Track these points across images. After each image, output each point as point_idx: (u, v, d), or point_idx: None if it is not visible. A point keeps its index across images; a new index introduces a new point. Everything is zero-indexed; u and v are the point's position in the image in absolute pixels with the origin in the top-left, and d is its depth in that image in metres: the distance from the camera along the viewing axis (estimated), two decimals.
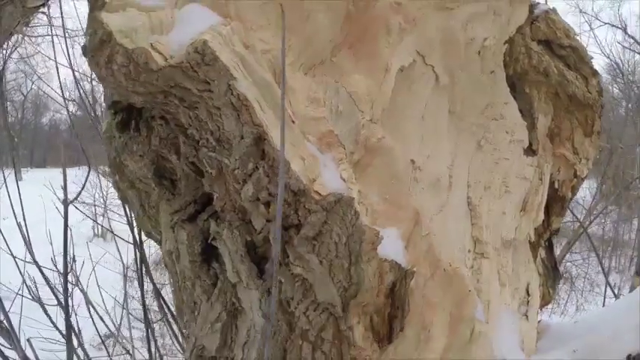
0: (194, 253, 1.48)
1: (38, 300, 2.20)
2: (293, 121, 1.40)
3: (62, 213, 1.90)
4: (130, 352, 2.39)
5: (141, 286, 2.13)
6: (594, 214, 4.35)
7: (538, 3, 1.75)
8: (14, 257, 2.21)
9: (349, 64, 1.52)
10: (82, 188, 2.00)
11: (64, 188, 1.74)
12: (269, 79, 1.35)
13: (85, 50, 1.39)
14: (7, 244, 2.33)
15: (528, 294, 1.88)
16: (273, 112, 1.39)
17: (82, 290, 2.62)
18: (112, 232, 2.55)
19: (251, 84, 1.33)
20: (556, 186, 1.83)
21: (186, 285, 1.55)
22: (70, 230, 1.89)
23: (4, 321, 1.96)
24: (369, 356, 1.42)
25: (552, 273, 1.93)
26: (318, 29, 1.47)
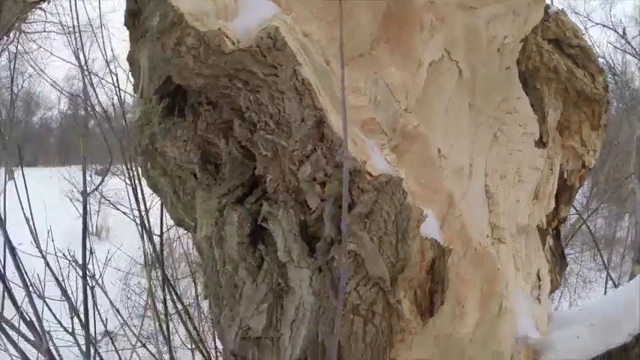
0: (243, 234, 1.63)
1: (64, 293, 2.26)
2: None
3: (73, 206, 1.99)
4: (145, 344, 2.47)
5: (163, 276, 2.23)
6: (591, 208, 4.66)
7: (549, 5, 2.01)
8: (43, 255, 2.27)
9: (386, 57, 1.71)
10: (103, 180, 2.08)
11: (83, 179, 1.84)
12: (326, 67, 1.54)
13: (128, 23, 1.55)
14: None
15: (539, 279, 2.11)
16: (329, 98, 1.57)
17: (101, 288, 2.69)
18: (136, 220, 2.63)
19: (312, 71, 1.51)
20: (565, 176, 2.07)
21: (226, 269, 1.70)
22: (86, 224, 1.98)
23: (32, 315, 2.03)
24: (414, 329, 1.61)
25: (559, 260, 2.17)
26: (359, 24, 1.66)
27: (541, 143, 2.03)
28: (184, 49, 1.44)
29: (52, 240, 2.61)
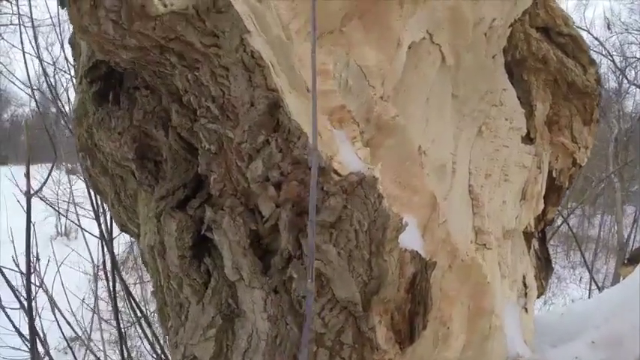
0: (184, 246, 1.13)
1: (20, 303, 1.77)
2: (308, 89, 1.10)
3: (24, 206, 1.52)
4: (100, 357, 1.98)
5: (113, 286, 1.76)
6: (569, 208, 4.22)
7: None
8: None
9: (359, 35, 1.21)
10: (47, 178, 1.62)
11: (27, 178, 1.36)
12: (284, 39, 1.04)
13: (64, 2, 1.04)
14: None
15: (525, 286, 1.62)
16: (286, 76, 1.07)
17: (46, 292, 2.19)
18: (81, 227, 2.11)
19: (265, 42, 1.01)
20: (554, 175, 1.59)
21: (171, 285, 1.19)
22: (34, 227, 1.51)
23: None
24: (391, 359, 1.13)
25: (545, 265, 1.69)
26: None
27: (528, 139, 1.54)
28: (103, 13, 0.92)
29: (13, 242, 2.11)
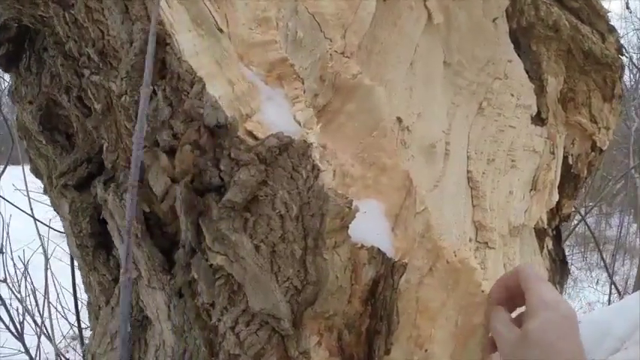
0: (81, 233, 0.70)
1: None
2: (220, 30, 0.65)
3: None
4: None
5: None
6: (586, 206, 3.50)
7: None
8: None
9: None
10: (4, 168, 1.27)
11: None
12: None
13: None
14: None
15: None
16: (186, 9, 0.64)
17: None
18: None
19: None
20: (570, 161, 1.05)
21: (88, 280, 0.78)
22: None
23: None
24: None
25: (560, 267, 1.15)
26: None
27: (539, 120, 1.00)
28: None
29: None
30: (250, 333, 0.56)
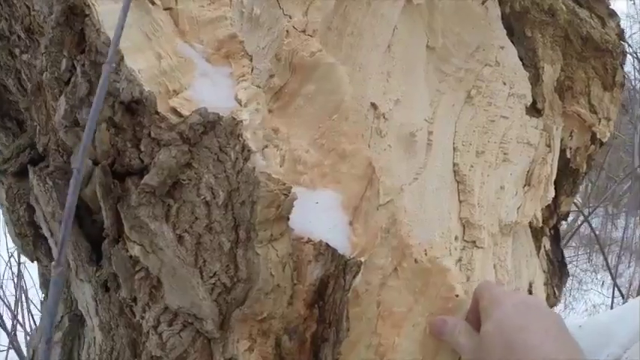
0: (19, 221, 0.60)
1: None
2: (152, 2, 0.55)
3: None
4: None
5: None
6: (590, 207, 3.19)
7: None
8: None
9: None
10: None
11: None
12: None
13: None
14: None
15: (531, 295, 0.94)
16: None
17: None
18: None
19: None
20: (568, 155, 0.89)
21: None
22: None
23: None
24: None
25: (558, 269, 0.98)
26: None
27: (535, 111, 0.85)
28: None
29: None
30: (173, 334, 0.45)
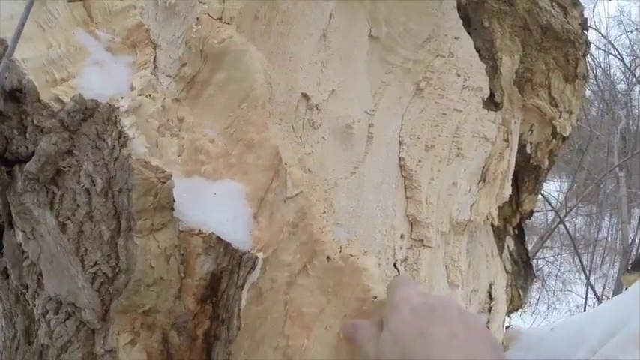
0: None
1: None
2: None
3: None
4: None
5: None
6: (569, 206, 3.11)
7: None
8: None
9: None
10: None
11: None
12: None
13: None
14: None
15: (491, 298, 0.90)
16: None
17: None
18: None
19: None
20: (528, 151, 0.86)
21: None
22: None
23: None
24: None
25: (524, 270, 0.95)
26: None
27: (492, 103, 0.83)
28: None
29: None
30: (59, 322, 0.46)
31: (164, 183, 0.43)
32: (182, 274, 0.46)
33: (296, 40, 0.67)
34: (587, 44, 0.78)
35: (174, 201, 0.45)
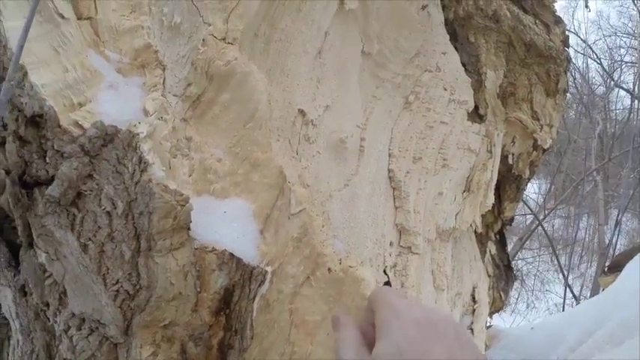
0: None
1: None
2: (61, 16, 0.60)
3: None
4: None
5: None
6: (548, 208, 3.32)
7: None
8: None
9: None
10: None
11: None
12: None
13: None
14: None
15: (474, 300, 0.99)
16: None
17: None
18: None
19: None
20: (510, 161, 0.96)
21: None
22: None
23: None
24: None
25: (505, 273, 1.05)
26: None
27: (477, 116, 0.92)
28: None
29: None
30: (82, 337, 0.50)
31: (183, 206, 0.49)
32: (198, 289, 0.52)
33: (293, 58, 0.73)
34: (569, 60, 0.87)
35: (190, 221, 0.51)
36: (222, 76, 0.62)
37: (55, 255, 0.49)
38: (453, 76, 0.88)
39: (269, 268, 0.56)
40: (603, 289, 1.13)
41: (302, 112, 0.73)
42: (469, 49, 0.89)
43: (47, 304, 0.52)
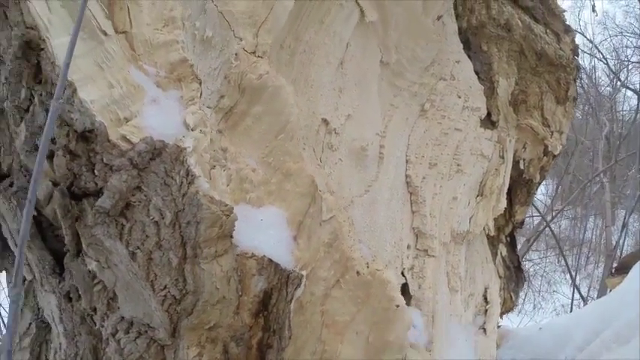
0: None
1: None
2: (104, 32, 0.63)
3: None
4: None
5: None
6: (555, 209, 3.38)
7: None
8: None
9: None
10: None
11: None
12: None
13: None
14: None
15: (487, 301, 1.04)
16: (68, 12, 0.62)
17: None
18: None
19: None
20: (521, 166, 1.00)
21: None
22: None
23: None
24: None
25: (515, 274, 1.10)
26: None
27: (489, 122, 0.96)
28: None
29: None
30: (130, 341, 0.54)
31: (228, 216, 0.53)
32: (240, 293, 0.56)
33: (317, 69, 0.76)
34: (578, 68, 0.92)
35: (234, 230, 0.54)
36: (255, 89, 0.65)
37: (106, 263, 0.52)
38: (466, 84, 0.92)
39: (304, 272, 0.60)
40: (610, 291, 1.18)
41: (325, 122, 0.77)
42: (482, 58, 0.93)
43: (94, 309, 0.56)
